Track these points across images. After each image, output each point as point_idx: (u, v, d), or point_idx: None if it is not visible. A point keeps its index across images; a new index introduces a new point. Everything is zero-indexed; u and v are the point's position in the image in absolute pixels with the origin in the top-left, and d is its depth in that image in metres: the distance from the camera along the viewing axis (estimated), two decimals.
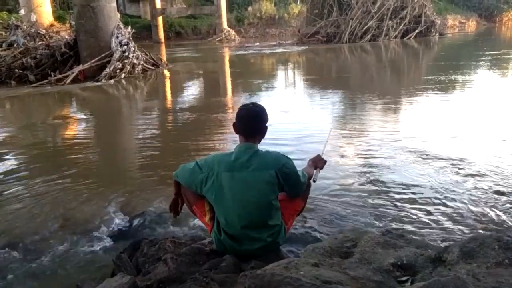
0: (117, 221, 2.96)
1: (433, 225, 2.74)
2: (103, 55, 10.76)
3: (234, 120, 2.00)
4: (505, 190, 3.24)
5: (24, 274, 2.38)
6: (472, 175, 3.56)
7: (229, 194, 1.90)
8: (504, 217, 2.82)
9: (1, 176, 4.03)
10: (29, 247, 2.66)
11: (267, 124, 2.02)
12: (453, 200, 3.10)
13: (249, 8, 32.04)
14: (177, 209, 2.20)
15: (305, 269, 1.53)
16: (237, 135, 2.03)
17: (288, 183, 1.97)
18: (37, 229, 2.88)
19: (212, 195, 1.95)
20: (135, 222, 2.95)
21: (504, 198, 3.10)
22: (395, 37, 21.57)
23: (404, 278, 1.52)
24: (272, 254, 1.99)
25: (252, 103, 2.05)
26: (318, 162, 2.28)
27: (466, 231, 2.64)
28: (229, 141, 4.83)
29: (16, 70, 10.62)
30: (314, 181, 2.22)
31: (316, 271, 1.52)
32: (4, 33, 12.89)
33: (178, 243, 2.23)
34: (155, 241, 2.29)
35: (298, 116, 6.25)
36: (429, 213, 2.92)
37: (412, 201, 3.12)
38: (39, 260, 2.50)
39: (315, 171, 2.24)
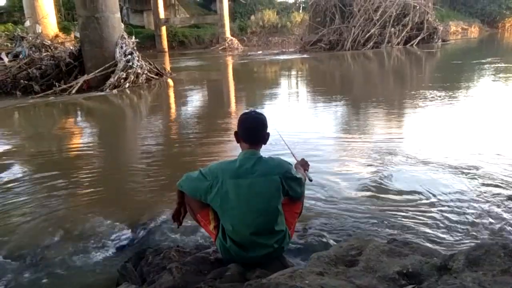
0: (121, 230, 2.96)
1: (438, 232, 2.72)
2: (107, 65, 10.84)
3: (236, 129, 2.02)
4: (511, 196, 3.22)
5: (28, 284, 2.38)
6: (477, 182, 3.53)
7: (235, 201, 1.91)
8: (510, 224, 2.79)
9: (6, 185, 4.05)
10: (33, 257, 2.66)
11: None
12: (458, 207, 3.09)
13: (252, 17, 32.31)
14: (180, 219, 2.21)
15: (310, 278, 1.53)
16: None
17: (292, 187, 2.00)
18: (41, 239, 2.88)
19: (217, 203, 1.95)
20: (140, 231, 2.94)
21: (510, 205, 3.07)
22: (398, 44, 21.63)
23: (409, 287, 1.51)
24: (277, 263, 1.99)
25: (253, 111, 2.07)
26: (304, 165, 2.38)
27: (472, 239, 2.62)
28: (233, 150, 4.84)
29: (22, 80, 10.71)
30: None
31: (321, 280, 1.51)
32: (9, 44, 13.06)
33: (182, 252, 2.23)
34: (160, 250, 2.29)
35: (301, 124, 6.26)
36: (434, 220, 2.90)
37: (417, 208, 3.11)
38: (43, 271, 2.50)
39: (305, 173, 2.33)
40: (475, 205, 3.10)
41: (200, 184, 1.97)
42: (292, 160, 2.40)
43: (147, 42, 26.77)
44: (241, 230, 1.93)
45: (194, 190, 2.02)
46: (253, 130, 2.01)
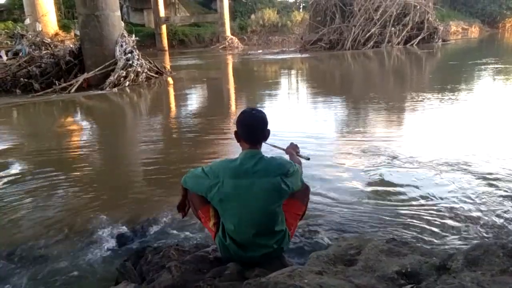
0: (121, 229, 2.96)
1: (438, 232, 2.73)
2: (107, 63, 10.85)
3: (235, 128, 2.00)
4: (509, 195, 3.22)
5: (28, 283, 2.38)
6: (476, 181, 3.54)
7: (235, 201, 1.89)
8: (509, 224, 2.80)
9: (5, 183, 4.05)
10: (31, 255, 2.66)
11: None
12: (457, 207, 3.09)
13: (252, 16, 32.34)
14: (185, 209, 2.21)
15: (309, 277, 1.53)
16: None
17: (294, 183, 1.97)
18: (40, 238, 2.88)
19: (218, 202, 1.94)
20: (139, 229, 2.95)
21: (509, 204, 3.08)
22: (398, 43, 21.63)
23: (408, 286, 1.51)
24: (276, 262, 1.99)
25: (253, 109, 2.01)
26: (295, 148, 2.42)
27: (471, 239, 2.62)
28: (234, 148, 4.84)
29: (21, 78, 10.71)
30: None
31: (320, 279, 1.52)
32: (9, 42, 13.06)
33: (182, 251, 2.23)
34: (159, 249, 2.29)
35: (301, 124, 6.26)
36: (433, 220, 2.90)
37: (415, 208, 3.11)
38: (41, 269, 2.50)
39: (298, 157, 2.37)
40: (473, 205, 3.10)
41: (202, 182, 1.96)
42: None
43: (147, 41, 26.80)
44: (243, 231, 1.92)
45: (196, 187, 2.01)
46: (253, 128, 1.96)
